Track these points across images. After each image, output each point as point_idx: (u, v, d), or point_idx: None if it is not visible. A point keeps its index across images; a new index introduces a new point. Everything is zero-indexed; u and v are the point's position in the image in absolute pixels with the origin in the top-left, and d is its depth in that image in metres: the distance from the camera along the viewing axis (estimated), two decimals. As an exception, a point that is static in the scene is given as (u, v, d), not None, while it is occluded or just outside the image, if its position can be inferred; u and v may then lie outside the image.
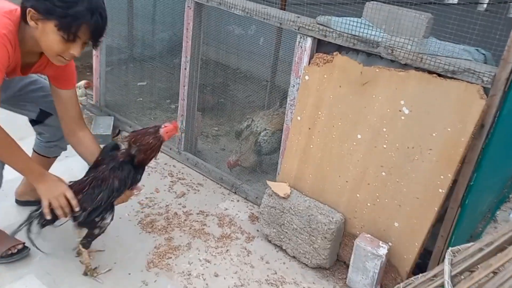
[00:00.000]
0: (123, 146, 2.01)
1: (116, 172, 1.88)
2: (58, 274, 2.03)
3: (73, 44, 1.67)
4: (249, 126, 2.88)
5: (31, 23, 1.63)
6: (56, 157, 2.35)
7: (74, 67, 2.00)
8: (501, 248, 1.31)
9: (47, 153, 2.29)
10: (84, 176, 1.94)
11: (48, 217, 1.83)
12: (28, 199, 2.36)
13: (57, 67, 1.86)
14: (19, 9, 1.67)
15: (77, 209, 1.84)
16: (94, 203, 1.86)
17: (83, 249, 1.99)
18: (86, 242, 1.98)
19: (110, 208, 1.94)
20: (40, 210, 1.88)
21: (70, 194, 1.83)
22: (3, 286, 1.94)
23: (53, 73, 1.92)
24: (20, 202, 2.39)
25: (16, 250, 2.05)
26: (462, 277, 1.38)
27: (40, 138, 2.26)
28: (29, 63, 1.83)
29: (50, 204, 1.83)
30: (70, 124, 2.01)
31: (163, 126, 1.90)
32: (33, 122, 2.18)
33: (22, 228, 1.90)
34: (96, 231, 1.96)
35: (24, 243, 2.08)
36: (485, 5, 2.97)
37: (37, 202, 2.35)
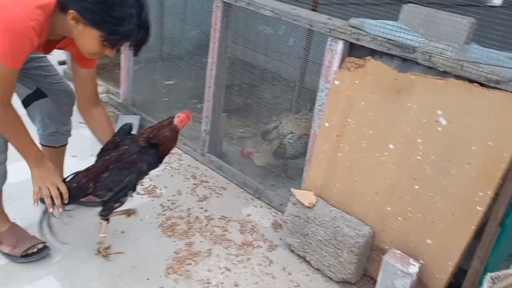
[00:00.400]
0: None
1: (144, 156, 1.90)
2: (77, 277, 1.99)
3: (111, 50, 1.65)
4: (276, 127, 2.81)
5: (71, 22, 1.59)
6: (65, 145, 2.31)
7: None
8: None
9: (52, 143, 2.25)
10: (104, 155, 1.94)
11: (35, 204, 1.83)
12: None
13: None
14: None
15: (66, 202, 1.84)
16: (121, 184, 1.90)
17: (103, 221, 2.03)
18: (105, 213, 2.01)
19: (134, 187, 1.99)
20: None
21: (62, 187, 1.83)
22: (21, 286, 1.92)
23: (76, 52, 1.86)
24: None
25: (36, 250, 2.03)
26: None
27: (39, 128, 2.22)
28: (53, 42, 1.79)
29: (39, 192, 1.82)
30: (85, 100, 2.02)
31: (176, 116, 1.95)
32: (26, 103, 2.12)
33: (43, 224, 1.90)
34: (117, 205, 2.00)
35: (44, 243, 2.06)
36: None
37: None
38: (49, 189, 1.82)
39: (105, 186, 1.88)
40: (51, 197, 1.83)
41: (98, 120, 2.05)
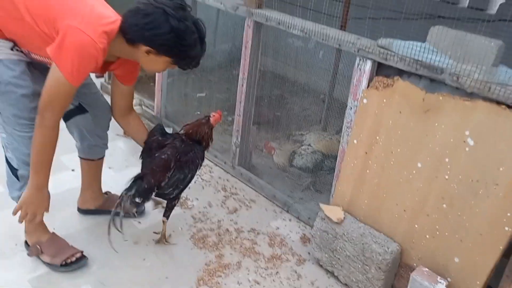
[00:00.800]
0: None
1: (199, 153, 2.15)
2: (112, 284, 2.09)
3: (174, 66, 1.87)
4: (302, 135, 2.93)
5: (143, 53, 1.78)
6: (102, 158, 2.41)
7: (138, 68, 2.13)
8: None
9: (91, 156, 2.36)
10: (152, 153, 2.11)
11: (14, 215, 1.93)
12: (88, 208, 2.47)
13: (128, 69, 2.02)
14: (118, 21, 1.77)
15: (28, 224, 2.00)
16: (186, 181, 2.15)
17: (165, 220, 2.30)
18: (169, 213, 2.27)
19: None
20: (130, 188, 2.03)
21: (39, 218, 1.96)
22: (61, 294, 2.03)
23: (121, 73, 2.04)
24: (81, 211, 2.50)
25: (74, 259, 2.13)
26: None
27: (77, 141, 2.33)
28: (108, 63, 1.94)
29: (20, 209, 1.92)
30: (123, 110, 2.19)
31: (212, 115, 2.18)
32: (67, 118, 2.24)
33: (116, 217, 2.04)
34: (176, 202, 2.26)
35: (82, 252, 2.17)
36: None
37: (98, 211, 2.47)
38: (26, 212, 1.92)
39: (171, 184, 2.10)
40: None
41: (135, 125, 2.24)
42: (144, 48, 1.76)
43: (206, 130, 2.15)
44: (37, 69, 1.91)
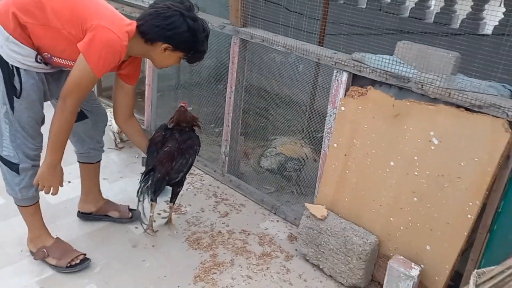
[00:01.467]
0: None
1: (194, 139, 2.47)
2: (116, 285, 2.25)
3: (181, 61, 2.15)
4: (274, 139, 3.19)
5: (160, 50, 2.03)
6: (99, 161, 2.59)
7: (140, 68, 2.36)
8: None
9: (90, 160, 2.54)
10: (158, 147, 2.40)
11: (34, 183, 2.10)
12: (90, 210, 2.64)
13: (133, 68, 2.23)
14: (134, 23, 2.01)
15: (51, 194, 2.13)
16: (188, 165, 2.43)
17: (173, 206, 2.65)
18: (175, 199, 2.59)
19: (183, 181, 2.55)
20: (146, 180, 2.34)
21: (55, 191, 2.12)
22: (68, 294, 2.19)
23: (128, 72, 2.24)
24: (82, 215, 2.66)
25: (78, 261, 2.29)
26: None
27: (76, 146, 2.50)
28: (122, 61, 2.14)
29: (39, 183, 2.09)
30: (125, 111, 2.35)
31: (182, 103, 2.48)
32: None
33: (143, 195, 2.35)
34: (180, 188, 2.54)
35: (85, 254, 2.33)
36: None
37: (98, 216, 2.64)
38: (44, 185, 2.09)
39: (177, 170, 2.39)
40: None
41: (136, 129, 2.43)
42: (163, 45, 2.01)
43: (189, 115, 2.46)
44: (52, 78, 2.13)
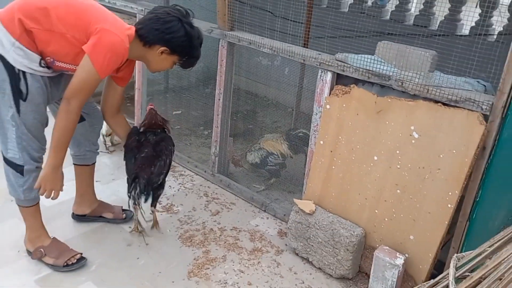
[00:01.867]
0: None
1: (168, 140, 2.51)
2: (112, 282, 2.32)
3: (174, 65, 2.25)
4: (260, 137, 3.36)
5: (157, 53, 2.13)
6: (94, 163, 2.66)
7: (133, 71, 2.45)
8: (495, 252, 1.54)
9: (86, 161, 2.61)
10: (135, 152, 2.43)
11: (35, 187, 2.16)
12: (84, 212, 2.70)
13: (128, 70, 2.31)
14: (133, 28, 2.11)
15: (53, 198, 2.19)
16: (166, 166, 2.46)
17: (155, 210, 2.63)
18: (156, 202, 2.57)
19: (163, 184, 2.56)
20: (134, 188, 2.37)
21: (56, 195, 2.17)
22: (66, 291, 2.25)
23: (123, 74, 2.32)
24: (77, 217, 2.72)
25: (75, 260, 2.35)
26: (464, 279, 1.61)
27: (72, 148, 2.55)
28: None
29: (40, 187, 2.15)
30: (113, 108, 2.43)
31: (150, 106, 2.53)
32: None
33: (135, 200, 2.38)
34: (161, 191, 2.54)
35: (81, 254, 2.39)
36: (495, 36, 3.20)
37: (92, 217, 2.70)
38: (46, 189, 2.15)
39: (158, 173, 2.41)
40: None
41: (122, 124, 2.50)
42: (160, 48, 2.11)
43: (159, 118, 2.51)
44: (52, 82, 2.19)
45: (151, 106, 2.53)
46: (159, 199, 2.63)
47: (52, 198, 2.16)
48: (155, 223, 2.70)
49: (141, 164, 2.39)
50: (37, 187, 2.14)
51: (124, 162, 2.50)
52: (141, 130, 2.51)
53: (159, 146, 2.45)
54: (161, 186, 2.51)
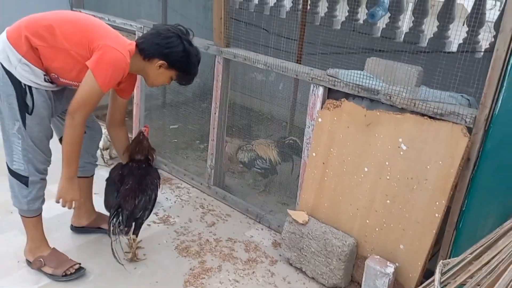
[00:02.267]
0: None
1: (152, 173, 2.51)
2: (109, 291, 2.37)
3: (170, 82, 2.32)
4: (256, 138, 3.52)
5: (156, 66, 2.21)
6: (93, 175, 2.73)
7: (135, 85, 2.52)
8: (477, 257, 1.61)
9: (85, 173, 2.67)
10: (118, 186, 2.44)
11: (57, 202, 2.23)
12: (82, 224, 2.75)
13: (129, 84, 2.38)
14: (134, 43, 2.20)
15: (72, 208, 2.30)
16: (152, 201, 2.46)
17: (136, 238, 2.54)
18: (138, 231, 2.52)
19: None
20: (116, 216, 2.36)
21: (76, 205, 2.27)
22: (64, 301, 2.30)
23: (125, 87, 2.40)
24: (75, 228, 2.77)
25: (74, 270, 2.40)
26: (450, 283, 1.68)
27: None
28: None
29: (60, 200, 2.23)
30: (116, 121, 2.50)
31: (143, 130, 2.53)
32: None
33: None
34: (144, 220, 2.50)
35: (80, 264, 2.44)
36: (481, 53, 3.31)
37: (90, 228, 2.76)
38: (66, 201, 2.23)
39: (142, 207, 2.40)
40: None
41: (121, 137, 2.54)
42: (159, 62, 2.19)
43: (146, 145, 2.50)
44: (56, 96, 2.27)
45: (145, 129, 2.54)
46: (140, 229, 2.54)
47: (73, 208, 2.26)
48: (133, 255, 2.58)
49: (125, 195, 2.39)
50: (57, 201, 2.21)
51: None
52: (124, 162, 2.50)
53: (144, 180, 2.44)
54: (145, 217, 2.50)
